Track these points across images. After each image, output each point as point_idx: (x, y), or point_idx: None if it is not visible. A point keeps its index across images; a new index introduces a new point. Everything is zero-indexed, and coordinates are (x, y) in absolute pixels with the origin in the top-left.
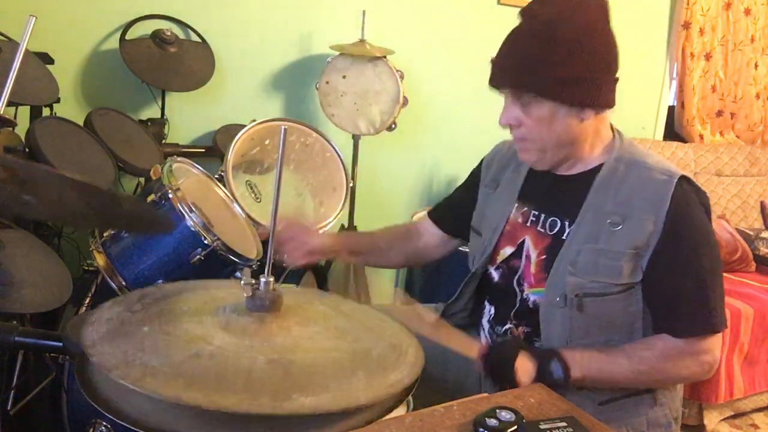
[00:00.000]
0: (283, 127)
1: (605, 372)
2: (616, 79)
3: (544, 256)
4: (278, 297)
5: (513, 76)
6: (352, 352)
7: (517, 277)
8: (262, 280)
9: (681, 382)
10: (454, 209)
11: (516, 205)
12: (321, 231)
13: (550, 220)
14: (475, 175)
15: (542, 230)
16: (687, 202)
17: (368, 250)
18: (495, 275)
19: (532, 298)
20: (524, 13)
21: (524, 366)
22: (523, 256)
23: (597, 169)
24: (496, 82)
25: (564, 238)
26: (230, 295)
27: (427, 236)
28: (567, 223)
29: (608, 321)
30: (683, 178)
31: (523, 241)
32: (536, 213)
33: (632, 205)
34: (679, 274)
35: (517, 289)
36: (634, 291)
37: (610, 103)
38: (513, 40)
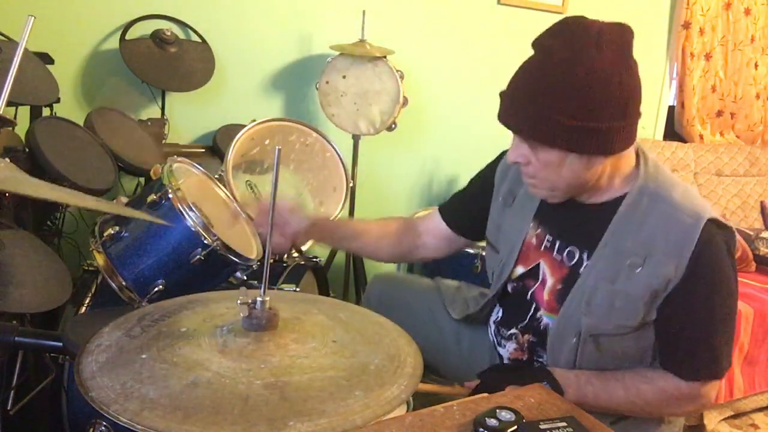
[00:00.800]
0: (277, 147)
1: (600, 399)
2: (635, 119)
3: (560, 287)
4: (274, 316)
5: (521, 122)
6: (350, 369)
7: (529, 294)
8: (258, 299)
9: (671, 416)
10: (468, 211)
11: (532, 224)
12: (302, 214)
13: (567, 249)
14: (488, 182)
15: (558, 258)
16: (712, 247)
17: (357, 236)
18: (508, 287)
19: (544, 320)
20: (537, 46)
21: None
22: (540, 280)
23: (619, 201)
24: (504, 123)
25: (580, 271)
26: (229, 311)
27: (429, 236)
28: (585, 256)
29: (619, 355)
30: (711, 221)
31: (538, 265)
32: (551, 238)
33: (654, 247)
34: (690, 319)
35: (530, 305)
36: (647, 327)
37: (625, 146)
38: (525, 78)
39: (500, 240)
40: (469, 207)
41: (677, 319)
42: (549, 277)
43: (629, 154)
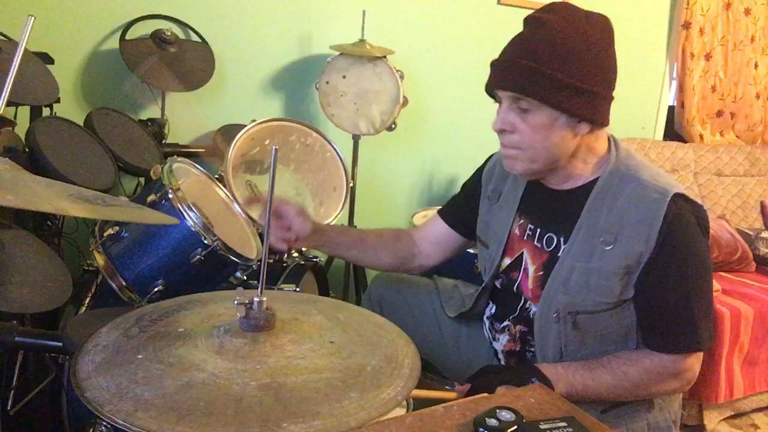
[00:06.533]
0: (273, 147)
1: (590, 388)
2: (612, 98)
3: (541, 272)
4: (271, 316)
5: (517, 81)
6: (346, 370)
7: (515, 286)
8: (255, 299)
9: (660, 396)
10: (463, 210)
11: (515, 216)
12: (307, 219)
13: (546, 235)
14: (476, 185)
15: (539, 245)
16: (680, 221)
17: (355, 244)
18: (497, 283)
19: (533, 309)
20: (530, 20)
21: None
22: (521, 269)
23: (592, 185)
24: (498, 85)
25: (559, 255)
26: (227, 312)
27: (426, 243)
28: (562, 240)
29: (602, 334)
30: (678, 195)
31: (522, 254)
32: (532, 227)
33: (624, 224)
34: (666, 293)
35: (519, 297)
36: (627, 305)
37: (605, 121)
38: (518, 45)
39: (489, 236)
40: (464, 207)
41: (654, 293)
42: (530, 265)
43: (603, 138)
